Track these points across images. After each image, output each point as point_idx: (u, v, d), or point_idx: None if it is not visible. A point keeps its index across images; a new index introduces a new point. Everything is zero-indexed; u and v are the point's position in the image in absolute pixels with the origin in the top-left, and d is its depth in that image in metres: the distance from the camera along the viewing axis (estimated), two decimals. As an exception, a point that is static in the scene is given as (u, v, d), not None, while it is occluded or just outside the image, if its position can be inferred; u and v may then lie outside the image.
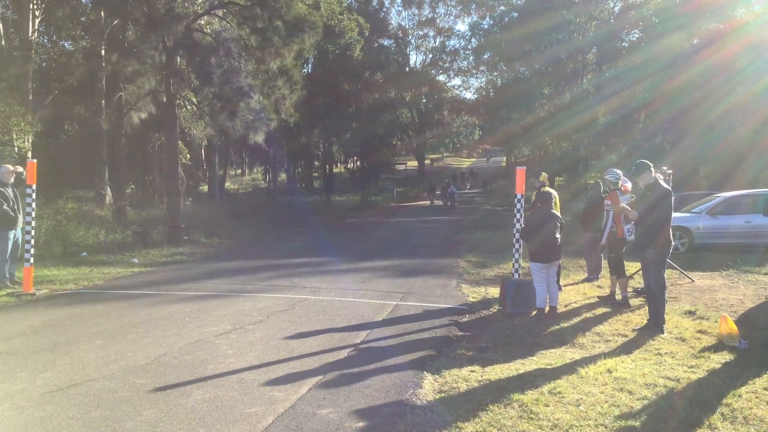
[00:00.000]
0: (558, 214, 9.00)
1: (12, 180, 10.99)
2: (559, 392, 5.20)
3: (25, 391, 5.35)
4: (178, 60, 22.28)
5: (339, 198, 48.98)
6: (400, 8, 63.02)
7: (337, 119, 44.20)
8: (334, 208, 38.97)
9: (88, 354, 6.51)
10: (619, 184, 9.40)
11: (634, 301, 9.44)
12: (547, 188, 10.15)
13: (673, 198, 7.48)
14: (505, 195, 46.57)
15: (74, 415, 4.78)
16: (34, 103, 22.16)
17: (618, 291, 9.35)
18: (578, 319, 8.28)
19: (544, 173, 11.14)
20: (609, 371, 5.76)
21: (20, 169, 11.14)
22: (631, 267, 11.33)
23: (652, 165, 7.60)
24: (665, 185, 7.63)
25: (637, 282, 10.71)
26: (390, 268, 13.60)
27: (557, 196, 10.02)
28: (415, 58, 65.87)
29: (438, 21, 63.48)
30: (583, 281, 11.37)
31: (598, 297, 9.68)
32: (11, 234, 10.92)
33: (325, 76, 42.74)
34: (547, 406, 4.91)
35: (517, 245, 9.63)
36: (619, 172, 9.67)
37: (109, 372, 5.89)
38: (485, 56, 53.17)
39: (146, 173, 33.03)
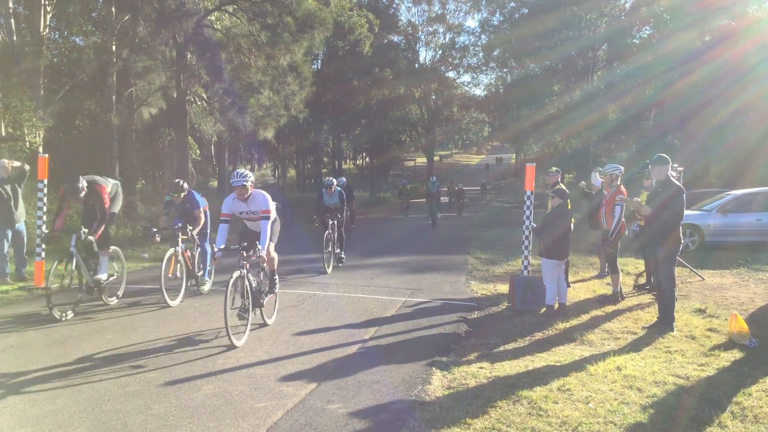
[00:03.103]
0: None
1: (6, 175, 10.79)
2: (569, 389, 5.19)
3: (37, 384, 5.39)
4: (189, 56, 22.34)
5: (347, 194, 48.95)
6: (410, 4, 63.04)
7: (346, 115, 44.27)
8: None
9: (99, 348, 6.55)
10: (619, 180, 9.39)
11: (644, 298, 9.41)
12: (561, 185, 10.15)
13: (685, 195, 7.44)
14: (513, 192, 46.48)
15: (85, 409, 4.81)
16: (46, 98, 22.26)
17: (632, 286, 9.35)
18: (587, 316, 8.26)
19: (556, 169, 11.16)
20: (618, 369, 5.74)
21: (16, 163, 11.06)
22: (640, 265, 11.31)
23: (670, 161, 7.58)
24: (677, 183, 7.60)
25: (642, 279, 10.69)
26: (399, 265, 13.60)
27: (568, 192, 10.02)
28: (424, 55, 65.88)
29: (448, 17, 63.48)
30: (594, 278, 11.35)
31: (604, 295, 9.64)
32: (6, 231, 10.79)
33: (334, 72, 42.81)
34: (556, 403, 4.90)
35: (526, 242, 9.61)
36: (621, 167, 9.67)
37: (119, 366, 5.92)
38: (495, 53, 53.03)
39: (156, 168, 33.19)
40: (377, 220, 29.87)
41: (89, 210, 8.88)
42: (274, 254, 7.53)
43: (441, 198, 27.50)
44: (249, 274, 6.88)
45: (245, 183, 7.08)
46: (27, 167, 11.08)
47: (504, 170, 76.37)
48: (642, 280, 10.67)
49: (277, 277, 7.91)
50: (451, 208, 34.22)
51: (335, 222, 12.79)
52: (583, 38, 38.83)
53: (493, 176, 69.82)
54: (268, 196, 7.30)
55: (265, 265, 7.37)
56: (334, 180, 13.81)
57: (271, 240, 7.32)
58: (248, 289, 6.85)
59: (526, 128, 44.23)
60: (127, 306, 8.88)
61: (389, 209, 37.65)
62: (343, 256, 13.30)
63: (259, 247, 6.98)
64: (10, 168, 10.89)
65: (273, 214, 7.43)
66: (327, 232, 12.50)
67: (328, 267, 12.31)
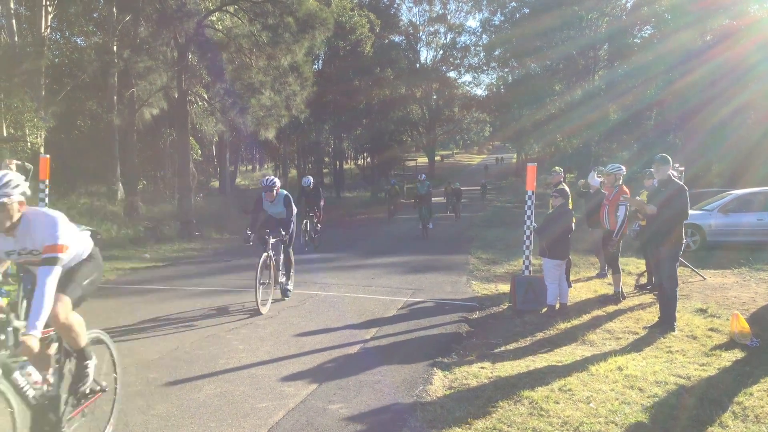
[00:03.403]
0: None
1: None
2: (570, 389, 5.19)
3: (39, 384, 5.38)
4: (190, 56, 22.35)
5: (349, 194, 49.06)
6: (411, 4, 63.04)
7: (347, 115, 44.28)
8: (344, 204, 39.02)
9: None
10: (621, 179, 9.42)
11: (645, 298, 9.41)
12: (564, 185, 10.19)
13: (688, 193, 7.43)
14: (515, 192, 46.44)
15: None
16: (47, 99, 22.31)
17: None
18: (588, 316, 8.25)
19: (560, 169, 11.21)
20: (620, 369, 5.74)
21: (17, 162, 11.07)
22: (642, 265, 11.31)
23: (671, 161, 7.59)
24: (679, 182, 7.61)
25: (643, 278, 10.69)
26: (400, 265, 13.60)
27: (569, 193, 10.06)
28: (425, 55, 66.00)
29: (449, 17, 63.54)
30: (594, 278, 11.36)
31: (605, 295, 9.64)
32: None
33: (335, 72, 42.81)
34: (558, 403, 4.91)
35: (527, 242, 9.61)
36: (622, 166, 9.71)
37: (121, 366, 5.92)
38: (496, 53, 53.04)
39: (158, 169, 33.23)
40: (378, 220, 29.86)
41: None
42: (72, 320, 3.81)
43: (435, 199, 22.87)
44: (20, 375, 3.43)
45: (2, 200, 3.52)
46: (30, 166, 11.07)
47: (504, 170, 76.28)
48: (643, 280, 10.67)
49: (91, 369, 4.05)
50: (447, 210, 33.18)
51: (278, 240, 9.19)
52: (584, 38, 38.80)
53: (494, 176, 69.72)
54: (61, 219, 3.79)
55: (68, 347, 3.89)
56: (277, 180, 9.40)
57: (66, 293, 3.79)
58: (12, 415, 3.29)
59: (527, 128, 44.19)
60: (129, 306, 8.80)
61: (391, 209, 37.59)
62: (289, 287, 9.62)
63: (18, 324, 3.53)
64: (13, 168, 10.88)
65: (70, 253, 3.85)
66: (264, 255, 8.77)
67: (265, 306, 8.51)
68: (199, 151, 34.01)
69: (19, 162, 11.09)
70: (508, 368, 5.90)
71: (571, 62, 40.13)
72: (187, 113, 21.62)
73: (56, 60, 27.27)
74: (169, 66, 21.84)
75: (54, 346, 3.87)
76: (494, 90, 62.36)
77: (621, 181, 9.38)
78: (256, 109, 22.56)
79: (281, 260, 9.37)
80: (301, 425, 4.54)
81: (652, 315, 8.08)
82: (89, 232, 4.41)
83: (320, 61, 44.23)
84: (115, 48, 24.49)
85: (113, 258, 14.72)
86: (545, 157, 47.84)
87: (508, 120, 50.00)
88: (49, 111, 21.40)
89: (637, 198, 9.23)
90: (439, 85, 64.23)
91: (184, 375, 5.67)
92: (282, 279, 9.42)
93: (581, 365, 5.91)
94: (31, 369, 3.55)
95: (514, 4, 48.37)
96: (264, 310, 8.41)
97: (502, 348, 6.73)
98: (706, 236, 15.08)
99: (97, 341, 4.24)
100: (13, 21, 22.45)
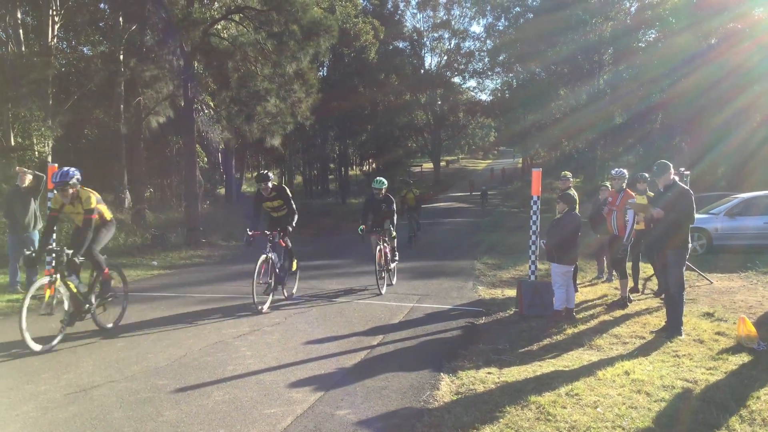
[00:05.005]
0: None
1: (23, 185, 10.96)
2: (577, 394, 5.20)
3: (49, 392, 5.43)
4: (196, 65, 22.45)
5: (354, 200, 48.99)
6: (415, 11, 62.90)
7: (352, 121, 44.37)
8: (349, 211, 39.05)
9: (110, 355, 6.61)
10: (624, 183, 9.44)
11: (652, 303, 9.40)
12: (572, 190, 10.22)
13: (693, 197, 7.43)
14: (520, 196, 46.37)
15: (97, 416, 4.85)
16: (54, 108, 22.40)
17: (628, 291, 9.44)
18: (595, 321, 8.26)
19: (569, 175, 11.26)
20: (626, 373, 5.75)
21: (26, 170, 11.22)
22: (648, 269, 11.30)
23: (671, 165, 7.60)
24: (683, 185, 7.62)
25: (655, 283, 10.67)
26: (406, 270, 13.60)
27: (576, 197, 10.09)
28: (430, 60, 65.93)
29: (453, 23, 63.46)
30: (601, 281, 11.36)
31: (612, 299, 9.63)
32: (17, 241, 10.90)
33: (340, 78, 42.95)
34: (565, 407, 4.92)
35: (533, 247, 9.62)
36: (625, 170, 9.77)
37: (130, 373, 5.97)
38: (500, 57, 53.07)
39: (164, 177, 33.34)
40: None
41: None
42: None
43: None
44: None
45: None
46: (42, 175, 11.17)
47: (501, 178, 75.72)
48: (652, 285, 10.63)
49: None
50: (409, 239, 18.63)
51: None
52: (588, 41, 38.78)
53: (482, 183, 69.19)
54: None
55: None
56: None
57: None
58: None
59: (532, 132, 44.18)
60: (137, 314, 8.86)
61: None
62: None
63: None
64: (29, 177, 11.02)
65: None
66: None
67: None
68: (205, 159, 34.08)
69: (30, 171, 11.23)
70: (515, 373, 5.92)
71: (576, 66, 40.11)
72: (193, 121, 21.69)
73: (63, 69, 27.36)
74: (175, 74, 21.94)
75: None
76: (499, 95, 62.40)
77: (624, 184, 9.41)
78: (262, 117, 22.62)
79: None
80: (309, 431, 4.57)
81: (658, 319, 8.09)
82: None
83: (325, 68, 44.40)
84: (121, 57, 24.60)
85: (121, 266, 14.78)
86: (551, 160, 47.78)
87: (513, 125, 49.99)
88: (56, 120, 21.48)
89: (645, 203, 9.24)
90: (444, 91, 64.19)
91: (192, 381, 5.71)
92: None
93: (588, 370, 5.92)
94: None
95: (518, 9, 48.46)
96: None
97: (509, 353, 6.74)
98: (712, 240, 15.06)
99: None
100: (20, 31, 22.59)
